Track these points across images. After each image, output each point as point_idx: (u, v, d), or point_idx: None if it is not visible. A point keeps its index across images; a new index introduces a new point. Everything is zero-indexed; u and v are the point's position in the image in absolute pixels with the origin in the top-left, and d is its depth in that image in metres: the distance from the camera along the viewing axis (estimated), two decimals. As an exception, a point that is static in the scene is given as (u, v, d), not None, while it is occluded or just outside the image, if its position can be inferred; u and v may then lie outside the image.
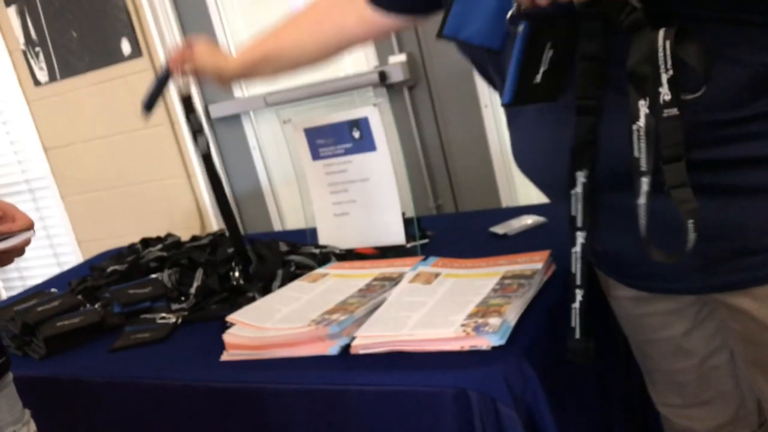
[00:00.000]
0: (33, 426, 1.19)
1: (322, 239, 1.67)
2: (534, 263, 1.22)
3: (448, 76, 2.10)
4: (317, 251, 1.59)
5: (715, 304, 0.94)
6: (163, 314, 1.46)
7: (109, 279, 1.73)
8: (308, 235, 1.71)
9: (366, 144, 1.53)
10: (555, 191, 0.96)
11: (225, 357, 1.22)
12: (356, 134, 1.53)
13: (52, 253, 3.26)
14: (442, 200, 2.25)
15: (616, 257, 0.96)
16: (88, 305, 1.58)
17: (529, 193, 2.11)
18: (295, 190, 2.54)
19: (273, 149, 2.56)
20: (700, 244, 0.75)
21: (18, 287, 3.31)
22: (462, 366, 1.00)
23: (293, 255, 1.56)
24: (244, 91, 2.51)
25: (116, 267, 1.77)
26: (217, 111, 2.55)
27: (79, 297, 1.62)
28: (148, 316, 1.48)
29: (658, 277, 0.93)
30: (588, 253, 0.90)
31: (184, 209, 2.73)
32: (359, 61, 2.24)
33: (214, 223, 2.67)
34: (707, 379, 1.05)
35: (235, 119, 2.56)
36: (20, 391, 1.21)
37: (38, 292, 1.74)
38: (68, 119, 2.84)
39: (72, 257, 3.13)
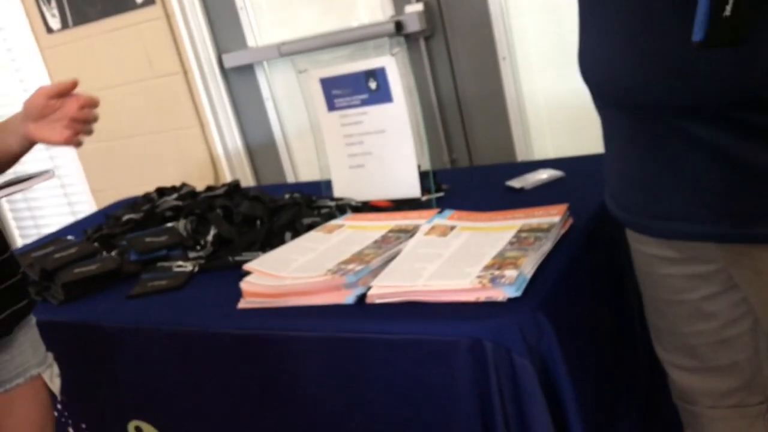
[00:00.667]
0: (56, 368, 1.22)
1: (337, 191, 1.67)
2: (551, 217, 1.22)
3: (465, 27, 2.06)
4: (333, 203, 1.59)
5: (744, 268, 0.90)
6: (180, 262, 1.48)
7: (125, 227, 1.74)
8: (323, 188, 1.71)
9: (382, 95, 1.52)
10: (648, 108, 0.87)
11: (242, 305, 1.23)
12: (373, 85, 1.52)
13: (66, 202, 3.28)
14: (456, 155, 2.23)
15: (652, 193, 0.92)
16: (104, 253, 1.60)
17: (545, 147, 2.09)
18: (308, 142, 2.53)
19: (287, 100, 2.54)
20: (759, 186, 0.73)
21: (33, 235, 3.34)
22: (477, 316, 1.01)
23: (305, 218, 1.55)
24: (257, 40, 2.48)
25: (132, 216, 1.78)
26: (230, 61, 2.53)
27: (96, 245, 1.64)
28: (164, 264, 1.50)
29: (693, 216, 0.88)
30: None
31: (197, 159, 2.72)
32: (374, 10, 2.21)
33: (228, 173, 2.67)
34: (724, 346, 1.02)
35: (248, 69, 2.53)
36: (41, 335, 1.24)
37: (55, 239, 1.76)
38: (81, 67, 2.82)
39: (86, 206, 3.15)
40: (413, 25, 2.08)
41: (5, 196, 0.87)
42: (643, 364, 1.38)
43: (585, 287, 1.18)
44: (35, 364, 1.18)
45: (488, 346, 0.98)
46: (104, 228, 1.80)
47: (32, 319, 1.21)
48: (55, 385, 1.22)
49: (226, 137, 2.65)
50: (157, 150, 2.82)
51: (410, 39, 2.14)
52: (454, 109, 2.17)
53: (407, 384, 1.06)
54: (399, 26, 2.10)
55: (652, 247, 1.01)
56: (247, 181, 2.64)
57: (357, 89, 1.54)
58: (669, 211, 0.92)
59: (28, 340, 1.18)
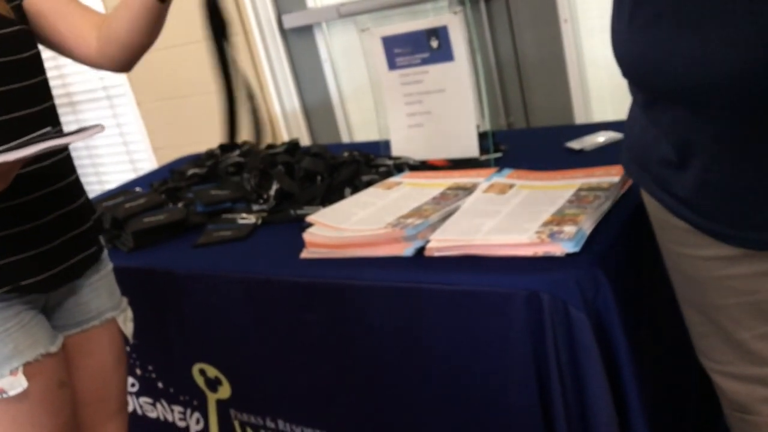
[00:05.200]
0: (130, 313, 1.29)
1: (396, 151, 1.70)
2: (611, 177, 1.22)
3: (527, -12, 2.05)
4: (390, 162, 1.62)
5: None
6: (244, 215, 1.53)
7: (190, 181, 1.81)
8: (381, 147, 1.73)
9: (443, 54, 1.53)
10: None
11: (304, 254, 1.28)
12: (434, 44, 1.53)
13: (128, 159, 3.39)
14: (513, 118, 2.23)
15: (742, 198, 0.82)
16: (171, 204, 1.66)
17: (605, 111, 2.07)
18: (363, 104, 2.56)
19: (344, 62, 2.56)
20: None
21: (96, 190, 3.46)
22: (535, 270, 1.03)
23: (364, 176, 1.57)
24: (317, 1, 2.50)
25: (196, 170, 1.84)
26: (289, 22, 2.56)
27: (163, 197, 1.70)
28: (229, 216, 1.55)
29: None
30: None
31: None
32: (435, -28, 2.20)
33: (285, 133, 2.72)
34: None
35: (307, 30, 2.56)
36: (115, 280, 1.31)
37: (124, 191, 1.84)
38: (145, 27, 2.89)
39: (147, 164, 3.25)
40: (474, -14, 2.08)
41: (56, 146, 0.90)
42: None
43: (643, 248, 1.18)
44: (110, 308, 1.25)
45: (545, 298, 1.00)
46: (170, 182, 1.87)
47: (109, 266, 1.27)
48: (128, 329, 1.29)
49: (284, 98, 2.69)
50: (216, 109, 2.87)
51: (470, 0, 2.14)
52: (512, 72, 2.16)
53: (464, 334, 1.09)
54: (459, -13, 2.09)
55: (707, 249, 0.90)
56: (304, 141, 2.68)
57: (418, 48, 1.55)
58: (749, 215, 0.82)
59: (104, 285, 1.24)
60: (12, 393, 1.06)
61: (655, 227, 1.01)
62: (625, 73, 0.86)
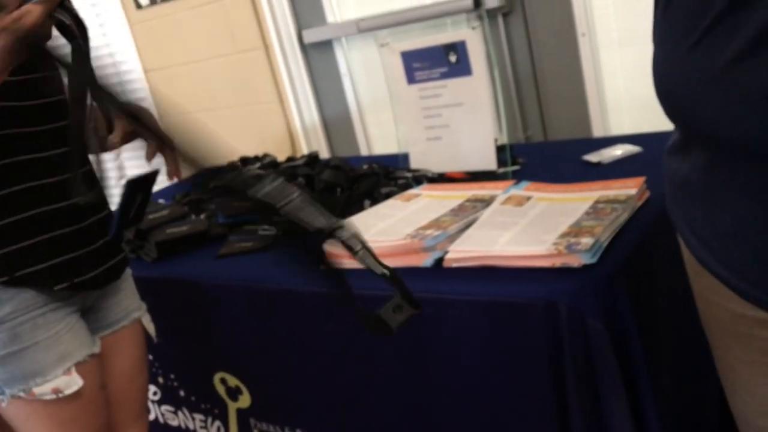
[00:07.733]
0: (149, 316, 1.34)
1: (414, 163, 1.72)
2: (628, 189, 1.23)
3: (544, 3, 2.07)
4: (409, 175, 1.64)
5: None
6: (265, 226, 1.55)
7: (212, 193, 1.84)
8: (400, 160, 1.75)
9: (462, 68, 1.55)
10: None
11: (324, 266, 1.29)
12: (453, 58, 1.55)
13: (150, 172, 3.44)
14: (531, 132, 2.24)
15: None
16: (193, 216, 1.69)
17: (622, 125, 2.08)
18: (382, 117, 2.58)
19: (363, 76, 2.59)
20: None
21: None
22: (552, 281, 1.04)
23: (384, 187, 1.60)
24: (336, 16, 2.54)
25: (217, 183, 1.87)
26: (309, 36, 2.60)
27: (185, 208, 1.73)
28: (250, 227, 1.58)
29: None
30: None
31: (275, 133, 2.82)
32: (453, -13, 2.22)
33: (304, 146, 2.75)
34: None
35: (326, 45, 2.60)
36: (139, 289, 1.35)
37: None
38: (167, 42, 2.95)
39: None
40: (492, 1, 2.10)
41: None
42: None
43: (661, 261, 1.19)
44: (135, 308, 1.31)
45: (562, 309, 1.01)
46: (192, 194, 1.90)
47: (129, 270, 1.32)
48: (151, 328, 1.35)
49: (304, 112, 2.73)
50: (238, 123, 2.92)
51: (488, 15, 2.16)
52: (530, 86, 2.18)
53: (482, 344, 1.10)
54: (477, 2, 2.12)
55: (737, 304, 0.80)
56: (323, 153, 2.72)
57: (437, 62, 1.57)
58: None
59: (129, 287, 1.31)
60: (68, 392, 1.11)
61: (690, 273, 0.91)
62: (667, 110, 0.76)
